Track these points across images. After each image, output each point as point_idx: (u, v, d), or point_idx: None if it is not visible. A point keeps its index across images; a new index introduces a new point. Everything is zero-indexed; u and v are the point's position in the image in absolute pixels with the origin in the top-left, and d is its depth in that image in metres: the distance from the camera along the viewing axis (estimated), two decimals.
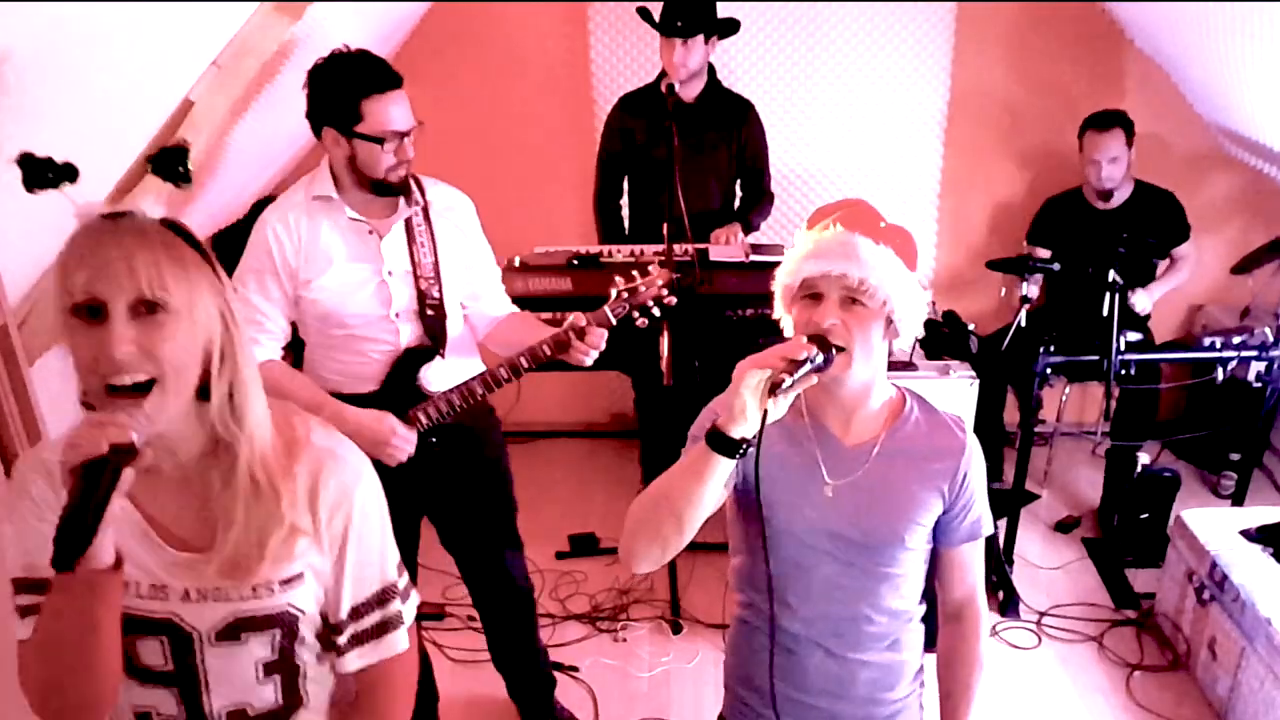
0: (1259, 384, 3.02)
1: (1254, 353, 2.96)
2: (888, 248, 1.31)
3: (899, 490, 1.41)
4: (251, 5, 1.90)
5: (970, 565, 1.51)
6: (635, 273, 2.11)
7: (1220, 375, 3.03)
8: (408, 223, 2.08)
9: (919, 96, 3.87)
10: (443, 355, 2.13)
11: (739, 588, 1.54)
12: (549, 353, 2.05)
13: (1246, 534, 2.84)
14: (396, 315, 2.08)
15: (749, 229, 3.39)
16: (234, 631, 1.16)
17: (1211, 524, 2.91)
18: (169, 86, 1.88)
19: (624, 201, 3.55)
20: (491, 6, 3.66)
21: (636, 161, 3.36)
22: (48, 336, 1.89)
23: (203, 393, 1.10)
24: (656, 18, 3.14)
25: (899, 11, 3.73)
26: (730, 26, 3.22)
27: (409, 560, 2.36)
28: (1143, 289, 3.50)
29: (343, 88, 1.92)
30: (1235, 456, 3.71)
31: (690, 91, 3.21)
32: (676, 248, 2.85)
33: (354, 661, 1.25)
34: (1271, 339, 2.97)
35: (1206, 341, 3.09)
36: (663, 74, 3.19)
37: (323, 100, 1.94)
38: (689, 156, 2.95)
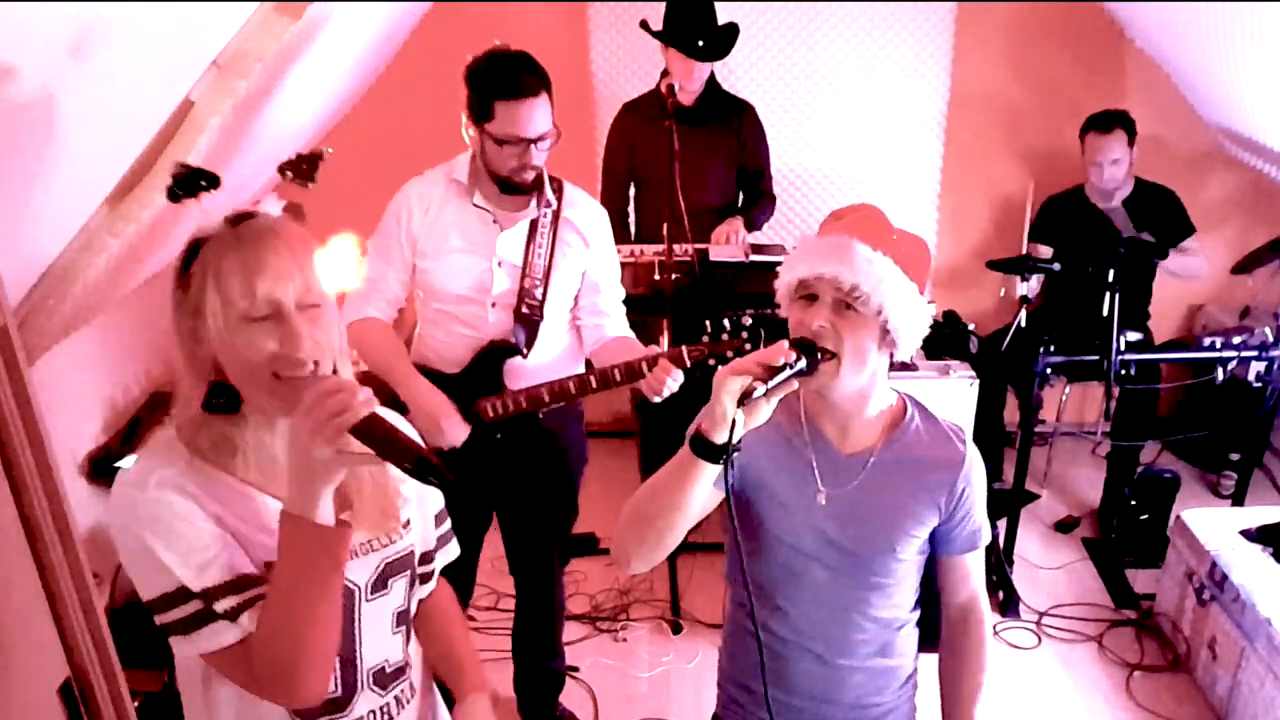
0: (1259, 384, 3.02)
1: (1254, 353, 2.97)
2: (888, 257, 1.28)
3: (893, 502, 1.41)
4: (251, 5, 1.90)
5: (970, 572, 1.51)
6: (727, 322, 2.09)
7: (1220, 375, 3.03)
8: (533, 222, 2.13)
9: (919, 96, 3.87)
10: (524, 355, 2.16)
11: (732, 592, 1.55)
12: (619, 378, 2.07)
13: (1246, 534, 2.84)
14: (493, 305, 2.13)
15: (751, 226, 3.39)
16: (383, 580, 1.25)
17: (1211, 524, 2.91)
18: (169, 86, 1.88)
19: (630, 209, 3.55)
20: (491, 6, 3.66)
21: (638, 166, 3.36)
22: (49, 336, 1.89)
23: None
24: (654, 26, 3.13)
25: (899, 11, 3.73)
26: (734, 38, 3.21)
27: (474, 554, 2.39)
28: (1173, 251, 3.42)
29: (483, 85, 2.00)
30: (1235, 456, 3.71)
31: (690, 94, 3.21)
32: (676, 248, 2.85)
33: (438, 571, 1.40)
34: (1271, 339, 2.97)
35: (1206, 341, 3.10)
36: (663, 74, 3.19)
37: (469, 93, 2.03)
38: (689, 158, 2.95)
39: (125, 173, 1.86)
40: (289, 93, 2.35)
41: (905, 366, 3.06)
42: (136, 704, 1.75)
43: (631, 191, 3.50)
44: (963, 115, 3.92)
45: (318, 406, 1.04)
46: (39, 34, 1.33)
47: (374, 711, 1.27)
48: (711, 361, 2.09)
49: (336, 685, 1.23)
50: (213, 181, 1.11)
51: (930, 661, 1.60)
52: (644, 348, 2.16)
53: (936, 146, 3.96)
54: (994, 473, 3.65)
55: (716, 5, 3.14)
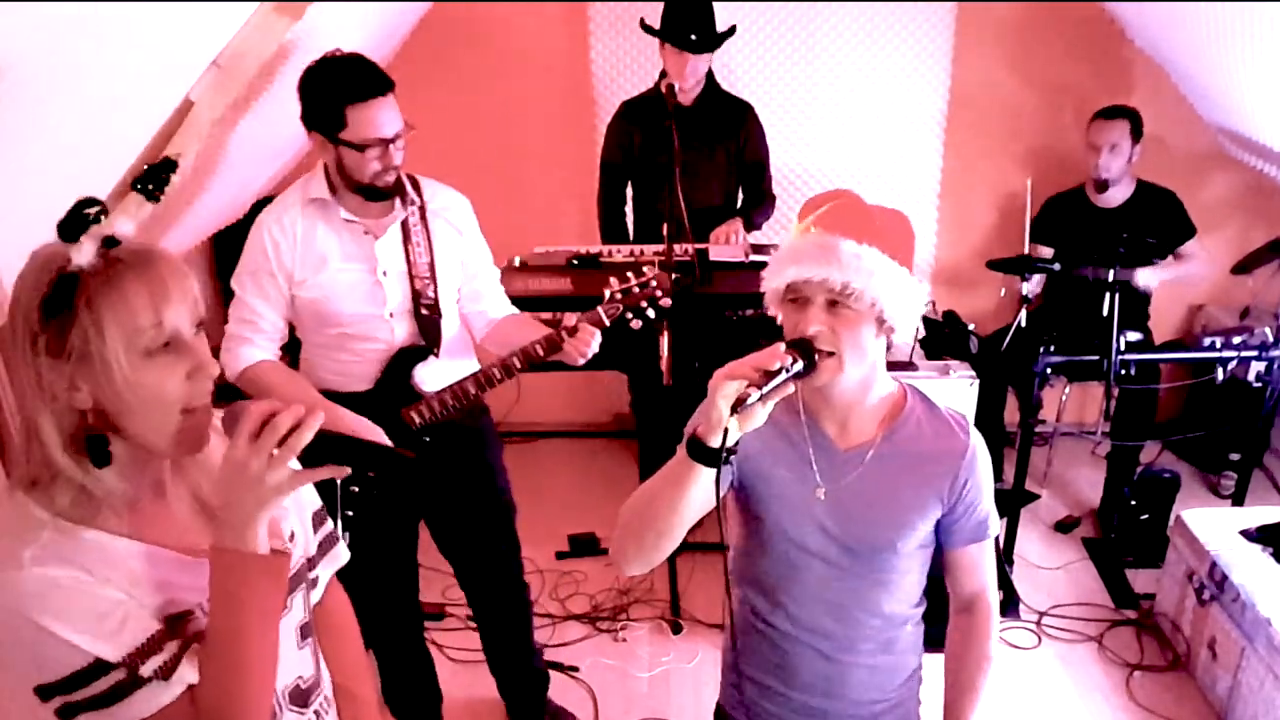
0: (1259, 384, 3.02)
1: (1254, 353, 2.96)
2: (873, 246, 1.26)
3: (893, 495, 1.39)
4: (251, 5, 1.90)
5: (977, 564, 1.49)
6: (630, 274, 2.10)
7: (1220, 375, 3.03)
8: (404, 223, 2.09)
9: (919, 96, 3.87)
10: (437, 355, 2.14)
11: (736, 582, 1.54)
12: (541, 353, 2.05)
13: (1246, 534, 2.84)
14: (391, 315, 2.09)
15: (751, 226, 3.39)
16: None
17: (1211, 524, 2.91)
18: (169, 86, 1.88)
19: (628, 209, 3.55)
20: (491, 6, 3.66)
21: (638, 167, 3.36)
22: None
23: None
24: (654, 25, 3.14)
25: (899, 11, 3.73)
26: (729, 32, 3.22)
27: (408, 560, 2.36)
28: (1149, 268, 3.44)
29: (328, 94, 1.91)
30: (1235, 456, 3.71)
31: (689, 94, 3.21)
32: (677, 248, 2.85)
33: (323, 578, 1.34)
34: (1271, 339, 2.97)
35: (1206, 341, 3.10)
36: (662, 75, 3.20)
37: (310, 105, 1.94)
38: (689, 158, 2.95)
39: (125, 173, 1.86)
40: (289, 93, 2.35)
41: (905, 366, 3.06)
42: None
43: (629, 191, 3.50)
44: (963, 115, 3.91)
45: (268, 430, 0.99)
46: (39, 33, 1.32)
47: None
48: (629, 316, 2.09)
49: None
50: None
51: (931, 662, 1.59)
52: (537, 322, 2.16)
53: (936, 146, 3.96)
54: (994, 473, 3.63)
55: (716, 6, 3.14)
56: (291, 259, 2.03)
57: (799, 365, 1.22)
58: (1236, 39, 2.51)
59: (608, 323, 2.08)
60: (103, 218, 0.99)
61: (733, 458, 1.31)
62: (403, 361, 2.12)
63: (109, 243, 1.00)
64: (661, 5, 3.14)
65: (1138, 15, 3.31)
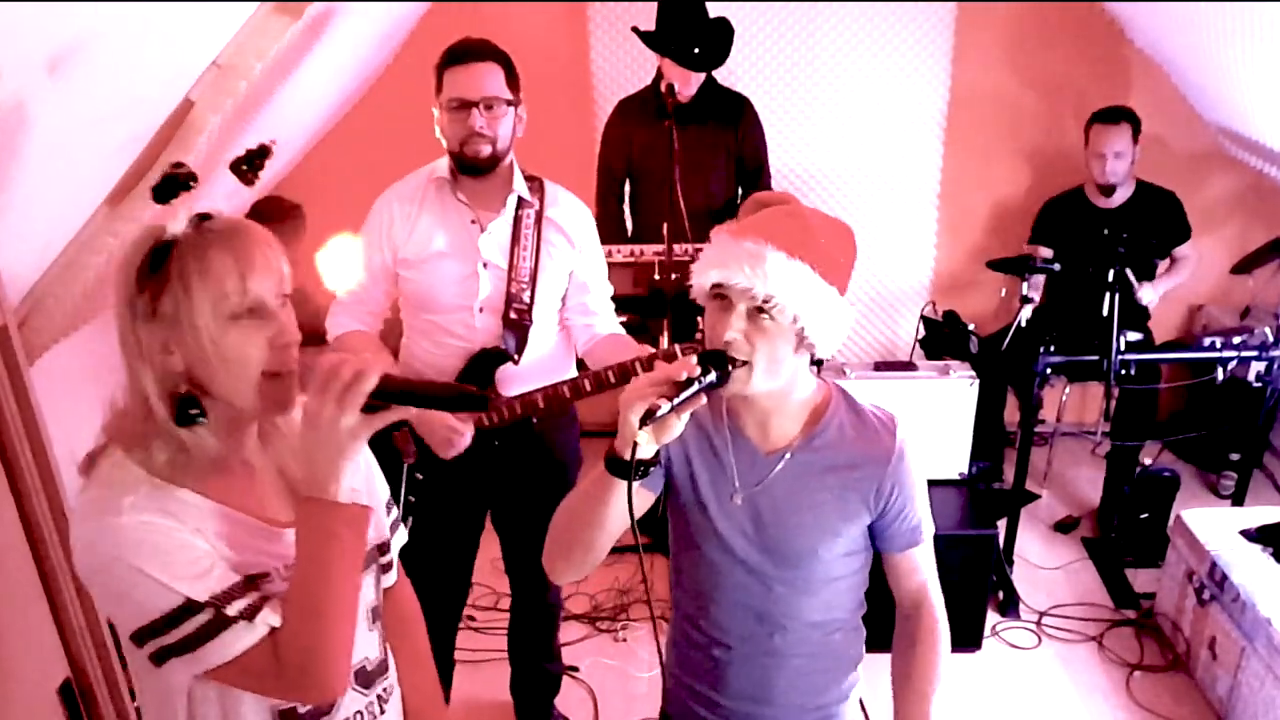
0: (1259, 384, 3.02)
1: (1254, 353, 2.97)
2: (805, 263, 1.22)
3: (813, 501, 1.36)
4: (251, 5, 1.90)
5: (918, 567, 1.45)
6: None
7: (1220, 375, 3.03)
8: (516, 222, 2.09)
9: (919, 96, 3.87)
10: (516, 362, 2.12)
11: (673, 589, 1.53)
12: (613, 380, 2.03)
13: (1246, 534, 2.84)
14: (480, 310, 2.09)
15: None
16: None
17: (1211, 524, 2.91)
18: (169, 86, 1.88)
19: (625, 206, 3.55)
20: (491, 6, 3.66)
21: (636, 164, 3.36)
22: (49, 336, 1.89)
23: None
24: (648, 29, 3.13)
25: (899, 11, 3.73)
26: (728, 30, 3.21)
27: (467, 552, 2.37)
28: (1149, 283, 3.49)
29: (439, 65, 2.01)
30: (1235, 456, 3.71)
31: (688, 91, 3.20)
32: (676, 248, 2.85)
33: (396, 560, 1.39)
34: (1271, 339, 2.97)
35: (1206, 341, 3.10)
36: (659, 74, 3.19)
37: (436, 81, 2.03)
38: (688, 156, 2.94)
39: (125, 173, 1.86)
40: (289, 93, 2.35)
41: (906, 366, 3.06)
42: (136, 705, 1.75)
43: (627, 190, 3.50)
44: (963, 115, 3.91)
45: (333, 379, 1.05)
46: (37, 34, 1.33)
47: (360, 712, 1.25)
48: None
49: None
50: (193, 179, 1.10)
51: (873, 663, 1.57)
52: (637, 345, 2.14)
53: (936, 146, 3.96)
54: (994, 473, 3.65)
55: (718, 5, 3.14)
56: (401, 236, 2.07)
57: (711, 377, 1.20)
58: (1236, 39, 2.51)
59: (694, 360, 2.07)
60: (192, 183, 1.06)
61: (658, 467, 1.34)
62: (483, 362, 2.12)
63: (204, 217, 1.09)
64: (655, 9, 3.13)
65: (1138, 15, 3.32)
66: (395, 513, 1.42)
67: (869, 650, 1.55)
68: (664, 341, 2.61)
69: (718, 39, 3.11)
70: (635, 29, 3.14)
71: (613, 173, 3.43)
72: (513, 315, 2.09)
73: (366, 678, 1.26)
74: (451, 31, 4.00)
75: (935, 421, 2.97)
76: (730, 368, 1.24)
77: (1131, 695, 2.79)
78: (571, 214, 2.17)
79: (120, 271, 1.07)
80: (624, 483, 1.21)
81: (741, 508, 1.37)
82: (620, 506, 1.23)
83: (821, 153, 3.97)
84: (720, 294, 1.26)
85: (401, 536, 1.43)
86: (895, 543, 1.42)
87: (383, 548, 1.35)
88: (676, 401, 1.15)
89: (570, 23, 3.82)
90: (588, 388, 2.06)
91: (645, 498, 1.39)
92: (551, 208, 2.14)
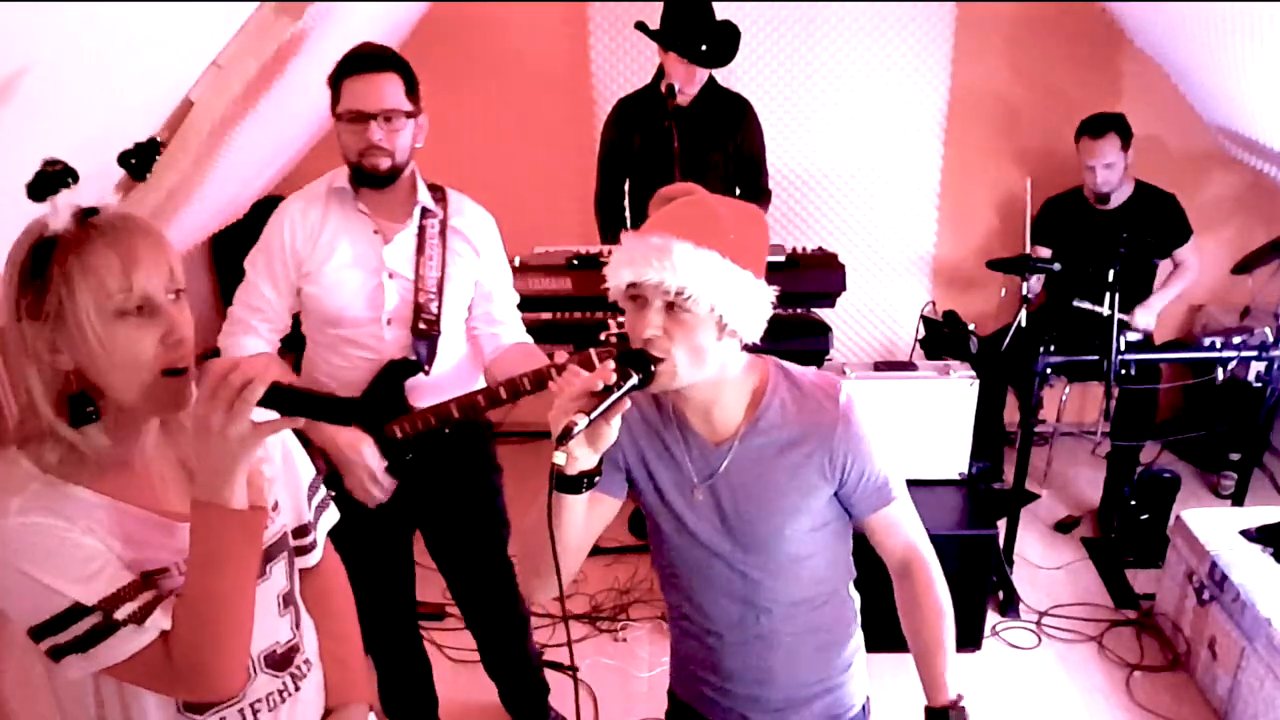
0: (1259, 384, 3.02)
1: (1254, 353, 2.97)
2: (713, 250, 1.22)
3: (768, 482, 1.36)
4: (251, 5, 1.90)
5: (894, 524, 1.43)
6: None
7: (1220, 375, 3.03)
8: (420, 232, 2.06)
9: (919, 96, 3.88)
10: (427, 372, 2.08)
11: (660, 583, 1.55)
12: (529, 386, 1.99)
13: (1246, 534, 2.84)
14: (388, 321, 2.05)
15: None
16: (261, 567, 1.21)
17: (1211, 524, 2.91)
18: (169, 86, 1.88)
19: (625, 204, 3.55)
20: (491, 6, 3.66)
21: (636, 164, 3.36)
22: None
23: None
24: (652, 25, 3.13)
25: (899, 11, 3.74)
26: (735, 31, 3.20)
27: (403, 566, 2.34)
28: (1141, 306, 3.49)
29: (334, 72, 1.95)
30: (1235, 456, 3.71)
31: (690, 90, 3.20)
32: None
33: (321, 540, 1.39)
34: (1271, 339, 2.97)
35: (1206, 341, 3.10)
36: (660, 74, 3.19)
37: (331, 88, 1.97)
38: (688, 156, 2.94)
39: (125, 173, 1.86)
40: (288, 93, 2.35)
41: (906, 366, 3.06)
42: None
43: (627, 189, 3.50)
44: (963, 115, 3.92)
45: (222, 386, 1.03)
46: (38, 35, 1.33)
47: (272, 694, 1.25)
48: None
49: None
50: (73, 176, 1.06)
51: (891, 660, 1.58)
52: (543, 355, 2.11)
53: (936, 146, 3.96)
54: (994, 473, 3.65)
55: (716, 5, 3.14)
56: (304, 246, 2.02)
57: (633, 379, 1.20)
58: (1236, 39, 2.51)
59: (598, 364, 2.03)
60: (70, 180, 1.03)
61: (617, 473, 1.37)
62: (393, 374, 2.08)
63: (89, 212, 1.05)
64: (661, 6, 3.13)
65: (1137, 16, 3.31)
66: (322, 492, 1.41)
67: (870, 650, 1.57)
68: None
69: (724, 38, 3.11)
70: (641, 25, 3.14)
71: (612, 172, 3.43)
72: (421, 326, 2.05)
73: (277, 661, 1.26)
74: (451, 31, 4.02)
75: (935, 421, 2.97)
76: (652, 366, 1.24)
77: (1131, 695, 2.79)
78: (476, 222, 2.14)
79: (6, 271, 1.05)
80: (574, 496, 1.24)
81: (704, 501, 1.39)
82: (576, 518, 1.27)
83: (821, 153, 3.97)
84: (635, 294, 1.26)
85: (332, 516, 1.43)
86: (865, 506, 1.40)
87: (301, 530, 1.35)
88: (596, 414, 1.15)
89: (570, 23, 3.83)
90: (503, 395, 2.01)
91: (609, 505, 1.41)
92: (456, 217, 2.10)
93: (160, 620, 1.08)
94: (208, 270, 3.75)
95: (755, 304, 1.27)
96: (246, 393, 1.03)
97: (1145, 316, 3.48)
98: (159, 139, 1.87)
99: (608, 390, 1.17)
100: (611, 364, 1.21)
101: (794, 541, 1.38)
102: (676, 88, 2.88)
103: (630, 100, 3.37)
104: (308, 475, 1.38)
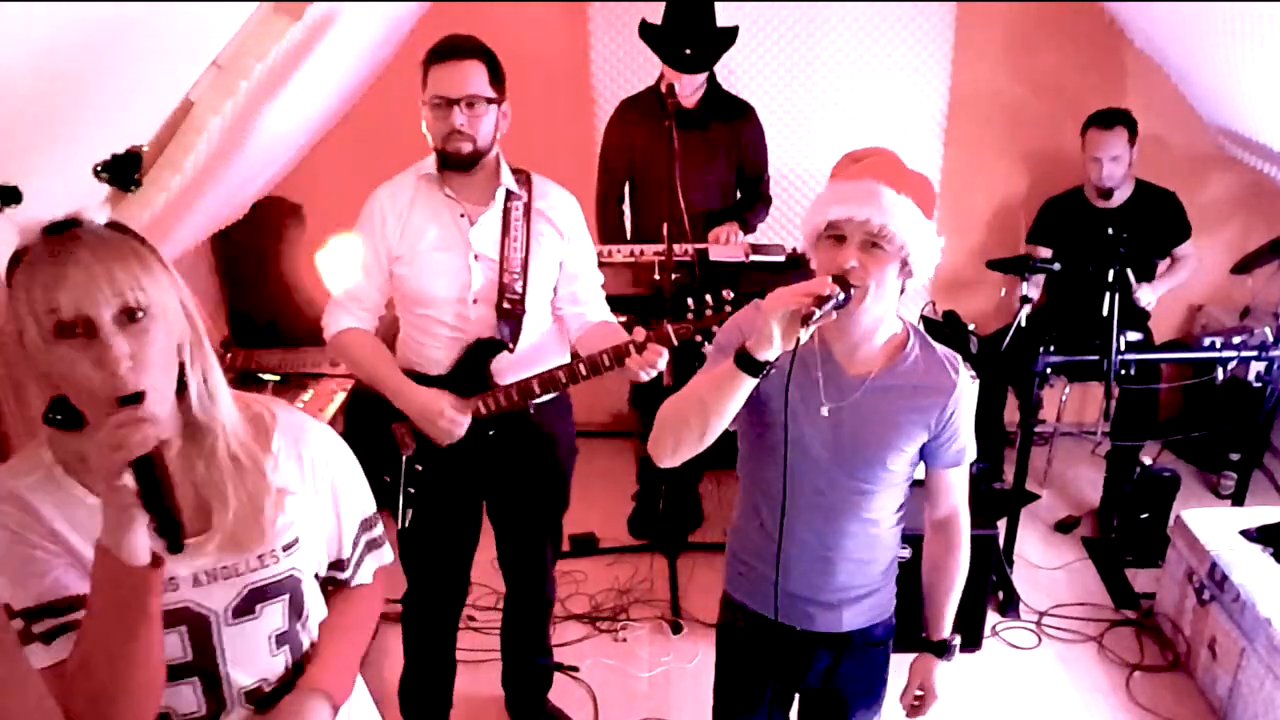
0: (1259, 384, 3.02)
1: (1254, 353, 2.97)
2: (908, 197, 1.43)
3: (886, 419, 1.57)
4: (251, 5, 1.90)
5: (953, 486, 1.70)
6: (709, 296, 2.11)
7: (1220, 375, 3.03)
8: (505, 214, 2.12)
9: (919, 96, 3.87)
10: (511, 350, 2.15)
11: (743, 484, 1.73)
12: (608, 363, 2.07)
13: (1246, 534, 2.84)
14: (474, 301, 2.12)
15: (746, 229, 3.39)
16: (249, 605, 1.20)
17: (1211, 524, 2.91)
18: (169, 86, 1.88)
19: (624, 206, 3.55)
20: (491, 6, 3.66)
21: (637, 165, 3.36)
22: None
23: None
24: (656, 25, 3.13)
25: (899, 11, 3.73)
26: (730, 39, 3.20)
27: (469, 548, 2.37)
28: (1147, 284, 3.50)
29: (424, 60, 2.06)
30: (1235, 456, 3.71)
31: (691, 97, 3.20)
32: (676, 248, 2.85)
33: (362, 576, 1.38)
34: (1271, 339, 2.97)
35: (1206, 341, 3.10)
36: (662, 75, 3.19)
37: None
38: (689, 158, 2.94)
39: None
40: (289, 93, 2.35)
41: None
42: None
43: (627, 189, 3.50)
44: (963, 115, 3.91)
45: (108, 437, 0.98)
46: (38, 35, 1.33)
47: None
48: (698, 338, 2.10)
49: (200, 703, 1.19)
50: (15, 197, 1.06)
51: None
52: (625, 333, 2.17)
53: (936, 146, 3.96)
54: (994, 473, 3.65)
55: (717, 5, 3.14)
56: (394, 234, 2.11)
57: (842, 295, 1.40)
58: (1236, 39, 2.51)
59: (676, 342, 2.08)
60: (13, 201, 1.05)
61: (764, 376, 1.49)
62: (479, 352, 2.15)
63: (63, 225, 1.04)
64: (663, 5, 3.13)
65: (1137, 16, 3.31)
66: (375, 532, 1.38)
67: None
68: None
69: (713, 44, 3.10)
70: (644, 22, 3.14)
71: (613, 173, 3.43)
72: (506, 305, 2.13)
73: (262, 697, 1.24)
74: (451, 31, 4.00)
75: None
76: (851, 292, 1.43)
77: (1131, 695, 2.79)
78: (560, 206, 2.21)
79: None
80: (749, 378, 1.42)
81: (826, 419, 1.57)
82: (739, 399, 1.45)
83: (822, 153, 3.96)
84: (833, 233, 1.46)
85: (383, 556, 1.40)
86: (941, 461, 1.65)
87: (337, 564, 1.34)
88: (822, 311, 1.36)
89: (570, 23, 3.82)
90: (583, 371, 2.10)
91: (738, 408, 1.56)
92: (540, 200, 2.18)
93: (63, 648, 1.06)
94: (210, 269, 3.75)
95: (932, 249, 1.49)
96: (117, 455, 0.97)
97: (1149, 294, 3.44)
98: (144, 146, 1.87)
99: (826, 298, 1.37)
100: (830, 278, 1.40)
101: (890, 471, 1.60)
102: (677, 88, 2.88)
103: (631, 101, 3.37)
104: (359, 511, 1.35)
